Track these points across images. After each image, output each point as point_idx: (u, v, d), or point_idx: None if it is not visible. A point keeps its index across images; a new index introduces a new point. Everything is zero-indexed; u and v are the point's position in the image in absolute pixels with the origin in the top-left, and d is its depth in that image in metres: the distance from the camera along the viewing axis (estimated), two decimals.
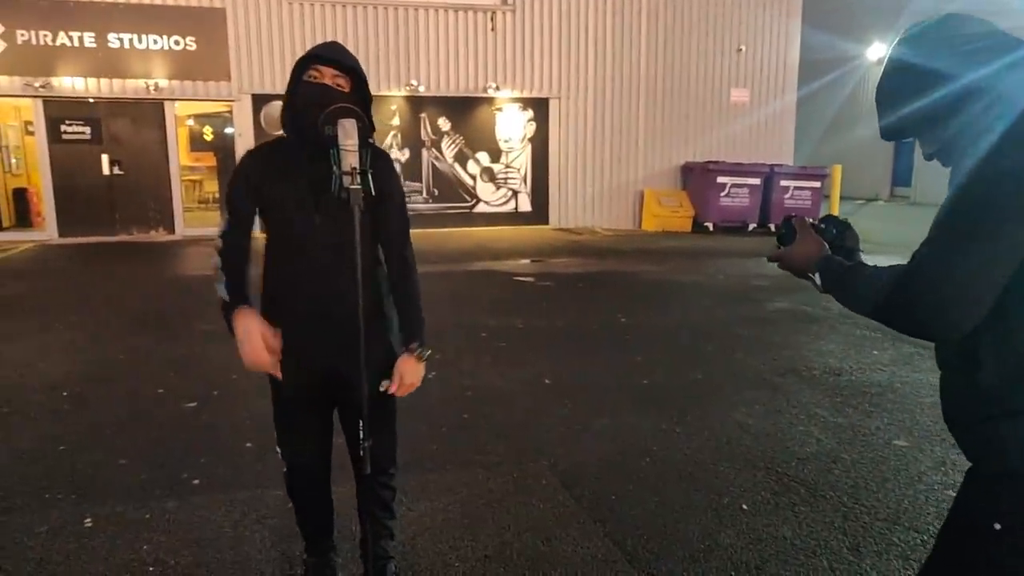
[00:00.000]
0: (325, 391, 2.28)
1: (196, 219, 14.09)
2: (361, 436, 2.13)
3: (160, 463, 3.67)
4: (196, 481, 3.48)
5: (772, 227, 14.18)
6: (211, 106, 14.09)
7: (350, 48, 2.27)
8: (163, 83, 12.58)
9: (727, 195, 14.13)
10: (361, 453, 2.15)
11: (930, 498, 3.41)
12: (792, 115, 15.87)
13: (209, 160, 15.64)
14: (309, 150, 2.11)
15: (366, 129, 2.09)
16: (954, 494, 3.49)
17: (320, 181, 2.07)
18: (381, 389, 2.21)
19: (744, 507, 3.31)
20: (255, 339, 2.05)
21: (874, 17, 22.78)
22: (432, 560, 2.83)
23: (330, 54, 2.12)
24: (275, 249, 2.24)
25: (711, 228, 14.16)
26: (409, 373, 2.22)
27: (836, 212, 14.25)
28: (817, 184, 14.39)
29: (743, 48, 15.15)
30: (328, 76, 2.10)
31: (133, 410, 4.46)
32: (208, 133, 15.74)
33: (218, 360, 5.41)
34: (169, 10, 12.50)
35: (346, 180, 2.01)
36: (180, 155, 13.58)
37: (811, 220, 1.67)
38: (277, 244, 2.23)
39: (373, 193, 2.09)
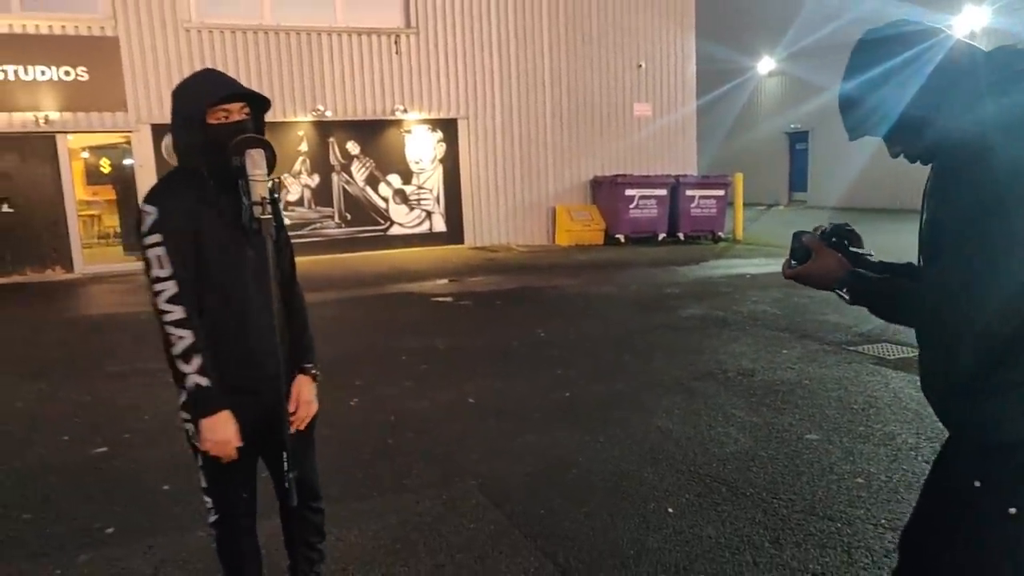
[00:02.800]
0: (255, 434, 2.19)
1: (97, 255, 13.47)
2: (286, 467, 2.10)
3: (69, 514, 3.48)
4: (110, 530, 3.32)
5: (680, 236, 14.67)
6: (107, 137, 13.54)
7: (253, 75, 2.22)
8: (54, 115, 12.00)
9: (636, 207, 14.51)
10: (287, 485, 2.11)
11: (841, 487, 3.59)
12: (693, 126, 16.49)
13: (107, 193, 14.98)
14: (221, 183, 2.06)
15: (273, 158, 2.07)
16: (862, 481, 3.68)
17: (238, 214, 2.03)
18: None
19: (670, 511, 3.40)
20: (232, 441, 2.05)
21: (763, 33, 24.03)
22: None
23: (230, 91, 2.05)
24: (204, 288, 2.09)
25: (622, 240, 14.50)
26: (307, 390, 2.25)
27: (740, 219, 14.94)
28: (721, 192, 14.95)
29: (643, 64, 15.67)
30: (236, 112, 2.06)
31: (36, 460, 4.21)
32: (105, 165, 15.08)
33: (129, 401, 5.18)
34: (57, 40, 11.96)
35: (256, 210, 1.98)
36: (76, 189, 12.96)
37: (819, 230, 1.73)
38: (204, 282, 2.08)
39: (283, 222, 2.07)
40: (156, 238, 2.00)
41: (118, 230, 14.71)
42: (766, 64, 24.92)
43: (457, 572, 2.91)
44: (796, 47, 22.55)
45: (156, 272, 2.00)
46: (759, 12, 24.12)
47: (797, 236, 1.73)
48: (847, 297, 1.60)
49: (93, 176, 15.30)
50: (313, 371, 2.29)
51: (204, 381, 2.00)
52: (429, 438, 4.41)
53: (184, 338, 1.99)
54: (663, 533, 3.19)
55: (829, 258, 1.65)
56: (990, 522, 1.44)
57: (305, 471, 2.27)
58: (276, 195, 2.04)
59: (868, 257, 1.68)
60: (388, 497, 3.60)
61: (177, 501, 3.57)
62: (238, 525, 2.26)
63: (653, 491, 3.61)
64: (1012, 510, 1.40)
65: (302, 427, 2.24)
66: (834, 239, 1.69)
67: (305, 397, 2.25)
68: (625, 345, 6.63)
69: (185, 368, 2.00)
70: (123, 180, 13.64)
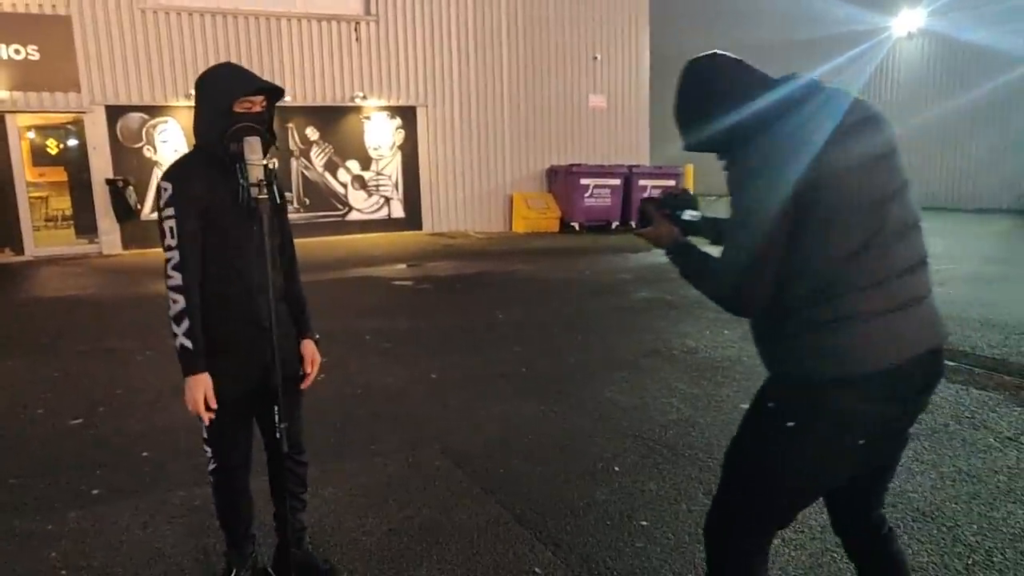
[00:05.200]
0: (252, 393, 2.45)
1: (47, 238, 13.30)
2: (277, 419, 2.36)
3: (54, 478, 3.68)
4: (96, 491, 3.53)
5: (632, 224, 15.11)
6: (55, 118, 13.34)
7: (212, 58, 2.46)
8: (3, 94, 11.84)
9: (590, 196, 14.92)
10: (278, 435, 2.38)
11: None
12: (646, 118, 16.93)
13: (54, 175, 14.71)
14: (233, 167, 2.29)
15: (269, 144, 2.32)
16: None
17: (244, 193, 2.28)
18: (301, 374, 2.51)
19: (616, 469, 3.76)
20: (200, 400, 2.29)
21: (720, 20, 24.60)
22: (341, 536, 3.08)
23: (258, 85, 2.31)
24: (210, 257, 2.33)
25: (577, 228, 14.90)
26: (316, 353, 2.61)
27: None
28: (672, 182, 15.43)
29: (598, 56, 16.04)
30: (258, 104, 2.31)
31: (14, 431, 4.37)
32: (52, 146, 14.83)
33: (99, 377, 5.34)
34: (7, 17, 11.78)
35: (254, 191, 2.24)
36: (25, 170, 12.77)
37: (661, 195, 2.15)
38: (212, 253, 2.32)
39: (279, 202, 2.32)
40: (170, 211, 2.26)
41: (67, 213, 14.49)
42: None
43: (424, 522, 3.21)
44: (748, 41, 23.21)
45: (168, 241, 2.26)
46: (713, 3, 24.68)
47: (644, 202, 2.13)
48: (669, 259, 2.03)
49: (40, 157, 15.03)
50: (316, 336, 2.64)
51: (188, 343, 2.26)
52: (394, 409, 4.69)
53: (177, 302, 2.26)
54: (610, 488, 3.54)
55: (662, 227, 2.06)
56: (772, 432, 1.84)
57: (292, 424, 2.54)
58: (273, 178, 2.29)
59: (695, 220, 2.08)
60: (358, 460, 3.88)
61: (157, 466, 3.80)
62: (234, 473, 2.53)
63: (602, 453, 3.96)
64: (790, 424, 1.80)
65: (308, 384, 2.56)
66: (668, 209, 2.09)
67: (317, 357, 2.61)
68: (579, 326, 6.99)
69: (175, 329, 2.27)
70: (75, 162, 13.47)
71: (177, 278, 2.26)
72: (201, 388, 2.29)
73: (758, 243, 1.70)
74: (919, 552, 2.92)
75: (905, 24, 19.57)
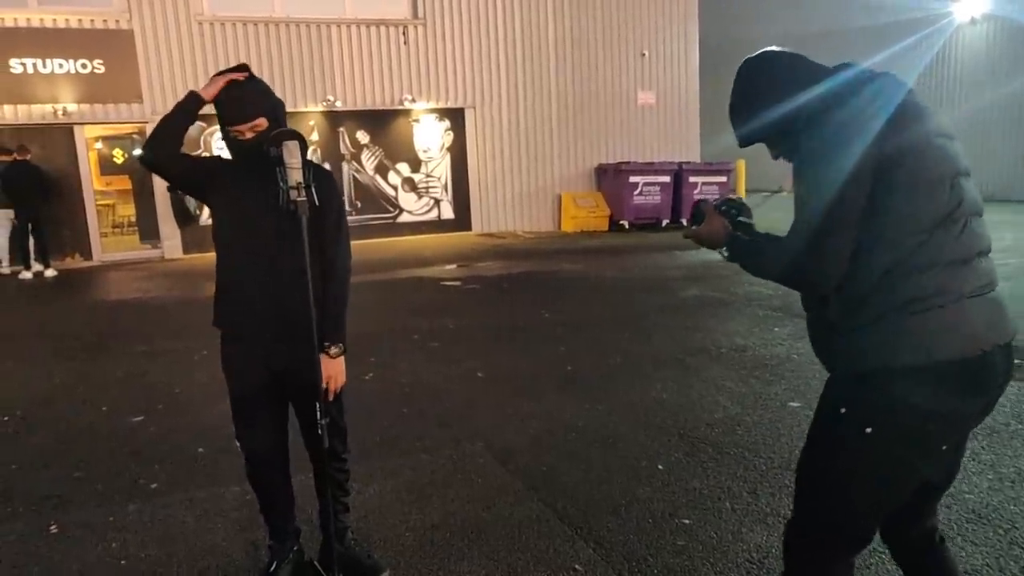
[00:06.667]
0: (278, 386, 2.54)
1: (113, 244, 13.85)
2: (318, 416, 2.43)
3: (115, 472, 3.85)
4: (154, 485, 3.68)
5: (683, 221, 14.94)
6: (121, 128, 13.88)
7: (265, 67, 2.57)
8: (71, 107, 12.36)
9: (640, 193, 14.79)
10: (320, 431, 2.45)
11: None
12: (696, 113, 16.71)
13: (121, 183, 15.32)
14: (262, 170, 2.40)
15: (306, 149, 2.39)
16: None
17: (275, 194, 2.37)
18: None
19: (659, 467, 3.74)
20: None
21: (774, 10, 24.11)
22: (385, 532, 3.14)
23: (235, 114, 2.40)
24: (234, 253, 2.49)
25: (627, 226, 14.79)
26: (325, 368, 2.50)
27: None
28: (723, 179, 15.20)
29: (646, 53, 15.90)
30: (247, 131, 2.40)
31: (80, 428, 4.58)
32: (119, 156, 15.44)
33: (158, 376, 5.55)
34: (74, 33, 12.30)
35: (292, 194, 2.31)
36: (92, 179, 13.31)
37: (715, 201, 2.11)
38: (235, 248, 2.49)
39: (317, 204, 2.40)
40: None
41: (132, 219, 15.06)
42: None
43: (466, 519, 3.25)
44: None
45: None
46: None
47: (698, 204, 2.10)
48: (726, 255, 1.96)
49: (107, 166, 15.65)
50: (331, 349, 2.52)
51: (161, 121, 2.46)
52: (441, 406, 4.76)
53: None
54: (653, 485, 3.53)
55: (716, 223, 2.01)
56: (849, 440, 1.74)
57: (332, 429, 2.58)
58: (311, 181, 2.37)
59: (752, 227, 2.03)
60: (403, 457, 3.95)
61: (213, 462, 3.94)
62: (261, 465, 2.62)
63: (645, 451, 3.95)
64: (868, 429, 1.69)
65: (327, 399, 2.54)
66: (723, 208, 2.04)
67: (329, 373, 2.51)
68: (626, 324, 6.95)
69: (164, 124, 2.47)
70: (139, 170, 13.98)
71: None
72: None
73: (830, 211, 1.64)
74: (973, 555, 2.84)
75: (968, 9, 18.88)
